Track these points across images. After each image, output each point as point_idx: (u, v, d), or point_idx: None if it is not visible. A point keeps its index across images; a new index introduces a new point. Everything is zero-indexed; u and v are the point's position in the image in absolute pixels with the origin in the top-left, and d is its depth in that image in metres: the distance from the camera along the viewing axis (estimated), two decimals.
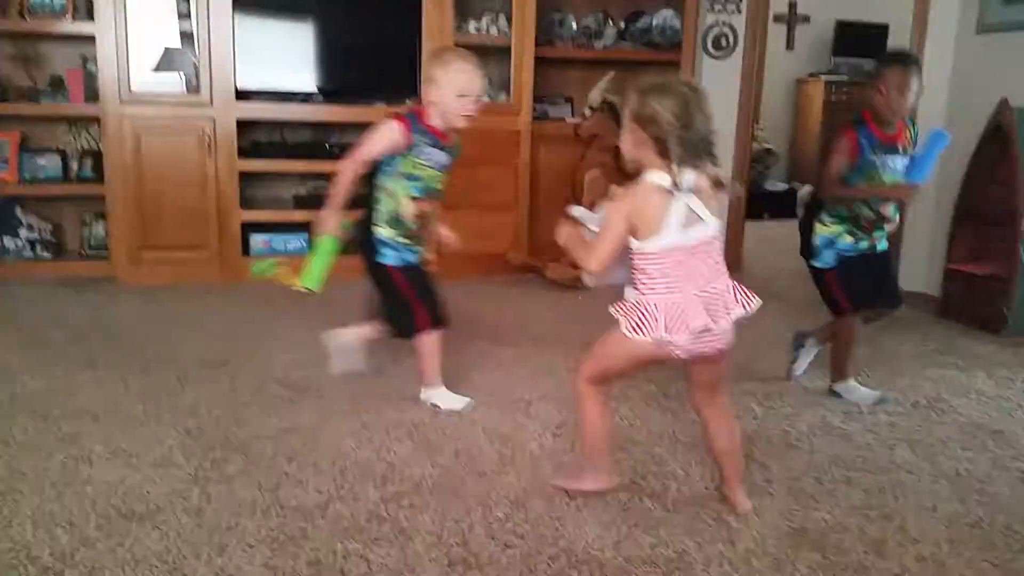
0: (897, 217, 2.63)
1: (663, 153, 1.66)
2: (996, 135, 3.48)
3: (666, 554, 1.75)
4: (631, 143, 1.73)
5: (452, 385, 2.57)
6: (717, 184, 1.72)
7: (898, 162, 2.55)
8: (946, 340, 3.39)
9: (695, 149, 1.66)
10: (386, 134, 2.33)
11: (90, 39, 3.82)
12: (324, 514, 1.86)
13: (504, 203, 4.34)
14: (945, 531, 1.87)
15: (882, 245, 2.64)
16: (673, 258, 1.70)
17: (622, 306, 1.77)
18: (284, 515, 1.85)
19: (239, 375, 2.73)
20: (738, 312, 1.76)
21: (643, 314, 1.72)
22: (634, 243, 1.72)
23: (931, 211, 3.90)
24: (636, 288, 1.76)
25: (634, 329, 1.72)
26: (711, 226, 1.73)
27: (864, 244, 2.59)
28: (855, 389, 2.68)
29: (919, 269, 3.96)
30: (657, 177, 1.68)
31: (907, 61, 2.53)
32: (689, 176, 1.67)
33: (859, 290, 2.59)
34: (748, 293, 1.78)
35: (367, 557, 1.70)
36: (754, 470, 2.14)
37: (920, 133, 2.62)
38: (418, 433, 2.31)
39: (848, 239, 2.58)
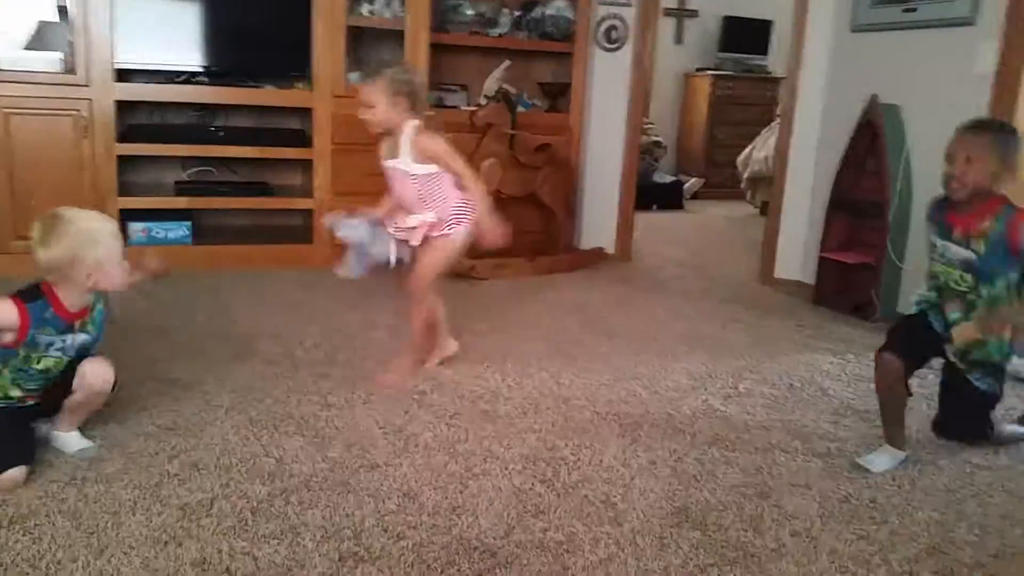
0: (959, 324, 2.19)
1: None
2: (866, 130, 3.69)
3: (556, 538, 1.79)
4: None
5: (340, 376, 2.51)
6: None
7: (953, 252, 2.17)
8: (819, 326, 3.59)
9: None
10: None
11: None
12: (209, 512, 1.80)
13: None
14: (817, 507, 1.99)
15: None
16: None
17: (457, 215, 2.56)
18: (166, 514, 1.78)
19: (118, 371, 2.60)
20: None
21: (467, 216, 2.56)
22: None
23: (807, 201, 4.11)
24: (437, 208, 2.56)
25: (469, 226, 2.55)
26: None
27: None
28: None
29: (795, 257, 4.18)
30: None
31: (965, 128, 2.14)
32: None
33: None
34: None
35: (254, 554, 1.66)
36: (639, 452, 2.22)
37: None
38: (308, 427, 2.27)
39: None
